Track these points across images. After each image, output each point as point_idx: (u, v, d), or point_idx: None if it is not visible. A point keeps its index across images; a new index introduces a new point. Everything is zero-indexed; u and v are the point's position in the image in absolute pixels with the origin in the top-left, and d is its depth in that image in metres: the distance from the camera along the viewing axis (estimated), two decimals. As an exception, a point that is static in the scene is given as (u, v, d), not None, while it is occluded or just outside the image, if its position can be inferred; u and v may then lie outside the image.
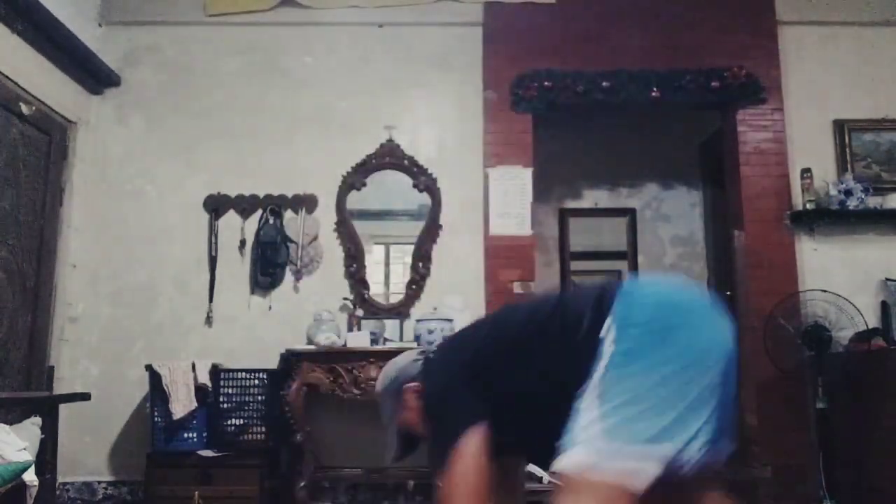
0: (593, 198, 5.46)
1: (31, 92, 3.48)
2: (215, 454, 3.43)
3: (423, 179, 4.07)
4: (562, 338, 1.43)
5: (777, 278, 3.91)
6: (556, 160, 5.08)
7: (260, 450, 3.50)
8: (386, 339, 3.76)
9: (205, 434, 3.52)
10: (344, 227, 4.04)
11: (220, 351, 3.82)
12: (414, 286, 3.99)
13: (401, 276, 4.08)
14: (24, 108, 3.44)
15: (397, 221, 4.22)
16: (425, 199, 4.08)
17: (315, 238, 4.02)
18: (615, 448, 1.25)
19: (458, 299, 3.95)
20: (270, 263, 3.94)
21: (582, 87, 4.07)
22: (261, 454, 3.48)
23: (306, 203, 4.04)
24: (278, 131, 4.11)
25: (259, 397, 3.56)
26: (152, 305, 3.94)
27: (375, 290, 4.03)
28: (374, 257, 4.10)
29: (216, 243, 3.99)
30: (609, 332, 1.35)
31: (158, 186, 4.06)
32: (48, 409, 2.84)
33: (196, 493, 3.27)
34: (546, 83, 4.07)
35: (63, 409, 2.99)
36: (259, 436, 3.53)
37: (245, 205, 4.04)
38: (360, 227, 4.06)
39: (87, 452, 3.78)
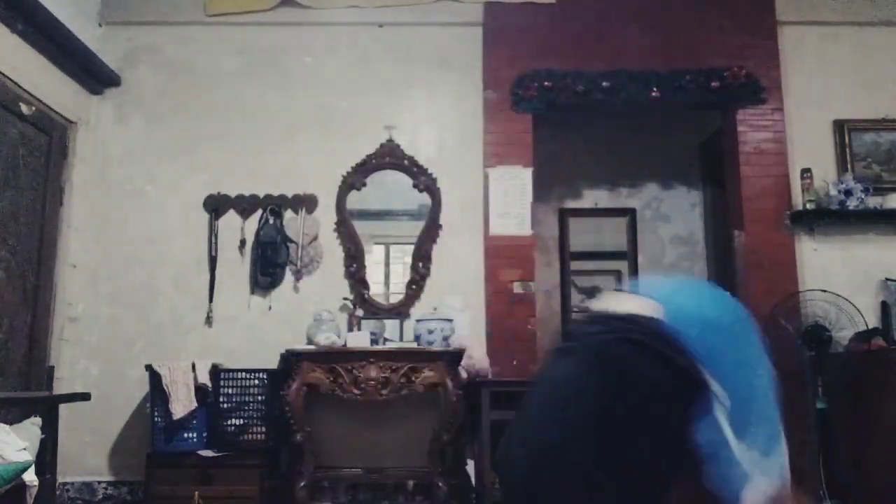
0: (593, 198, 5.45)
1: (31, 92, 3.48)
2: (215, 454, 3.43)
3: (423, 179, 4.07)
4: None
5: (777, 278, 3.91)
6: (556, 160, 5.08)
7: (260, 450, 3.50)
8: (386, 339, 3.76)
9: (205, 434, 3.52)
10: (344, 227, 4.04)
11: (220, 351, 3.82)
12: (414, 286, 3.99)
13: (401, 276, 4.08)
14: (24, 108, 3.44)
15: (397, 221, 4.22)
16: (425, 199, 4.08)
17: (315, 238, 4.02)
18: None
19: (458, 299, 3.95)
20: (270, 263, 3.94)
21: (582, 87, 4.07)
22: (261, 454, 3.48)
23: (306, 203, 4.04)
24: (278, 131, 4.12)
25: (259, 397, 3.56)
26: (152, 305, 3.94)
27: (375, 290, 4.03)
28: (374, 257, 4.10)
29: (216, 243, 3.99)
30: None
31: (158, 186, 4.06)
32: (48, 409, 2.84)
33: (196, 493, 3.27)
34: (546, 83, 4.07)
35: (63, 409, 2.99)
36: (259, 436, 3.53)
37: (245, 205, 4.04)
38: (360, 227, 4.06)
39: (87, 452, 3.78)
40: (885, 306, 3.87)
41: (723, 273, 4.71)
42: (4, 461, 2.47)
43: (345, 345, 3.58)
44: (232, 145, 4.10)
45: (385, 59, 4.20)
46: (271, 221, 4.01)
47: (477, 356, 3.57)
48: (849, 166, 4.05)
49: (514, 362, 3.87)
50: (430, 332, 3.63)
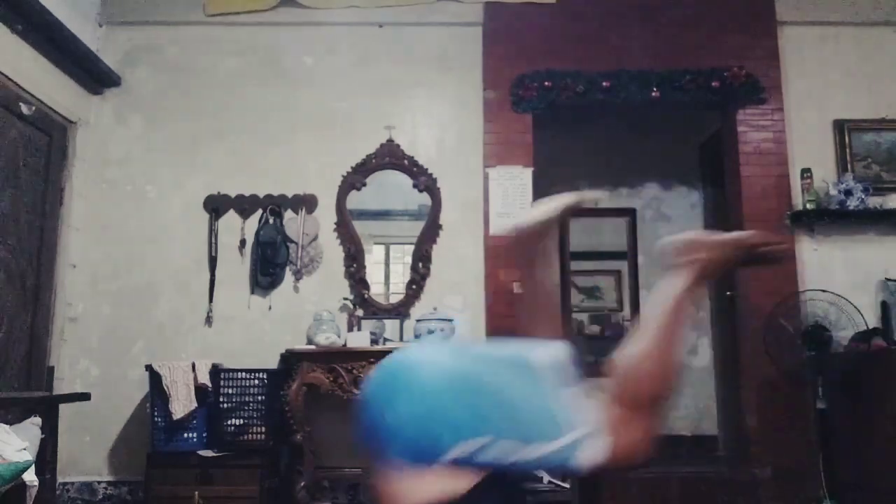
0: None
1: (31, 92, 3.48)
2: (215, 454, 3.43)
3: (423, 179, 4.07)
4: None
5: (777, 278, 3.91)
6: (556, 160, 5.08)
7: (260, 450, 3.50)
8: (386, 339, 3.76)
9: (205, 434, 3.52)
10: (344, 227, 4.04)
11: (220, 351, 3.82)
12: (414, 286, 3.99)
13: (401, 276, 4.08)
14: (24, 108, 3.44)
15: (397, 221, 4.22)
16: (425, 199, 4.08)
17: (315, 238, 4.02)
18: None
19: (458, 299, 3.95)
20: (270, 263, 3.94)
21: (582, 87, 4.07)
22: (261, 454, 3.47)
23: (306, 203, 4.04)
24: (278, 131, 4.12)
25: (259, 397, 3.56)
26: (152, 305, 3.94)
27: (375, 290, 4.03)
28: (374, 257, 4.10)
29: (216, 243, 3.99)
30: None
31: (158, 186, 4.06)
32: (48, 409, 2.84)
33: (196, 493, 3.27)
34: (546, 83, 4.07)
35: (63, 409, 2.99)
36: (259, 436, 3.53)
37: (245, 205, 4.04)
38: (360, 227, 4.06)
39: (87, 452, 3.78)
40: (885, 306, 3.87)
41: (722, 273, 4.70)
42: (4, 461, 2.46)
43: (345, 345, 3.58)
44: (232, 145, 4.10)
45: (385, 59, 4.20)
46: (271, 221, 4.01)
47: (477, 356, 3.56)
48: (849, 166, 4.05)
49: (514, 362, 3.86)
50: (430, 332, 3.63)
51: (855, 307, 3.52)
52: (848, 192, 3.91)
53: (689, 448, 4.92)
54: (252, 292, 3.97)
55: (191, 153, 4.11)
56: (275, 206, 4.03)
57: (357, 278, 3.99)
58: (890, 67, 4.19)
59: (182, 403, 3.43)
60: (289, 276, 3.98)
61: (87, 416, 3.63)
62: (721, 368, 4.97)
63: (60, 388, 3.67)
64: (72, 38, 3.65)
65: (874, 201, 3.96)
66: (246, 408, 3.55)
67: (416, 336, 3.69)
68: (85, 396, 3.02)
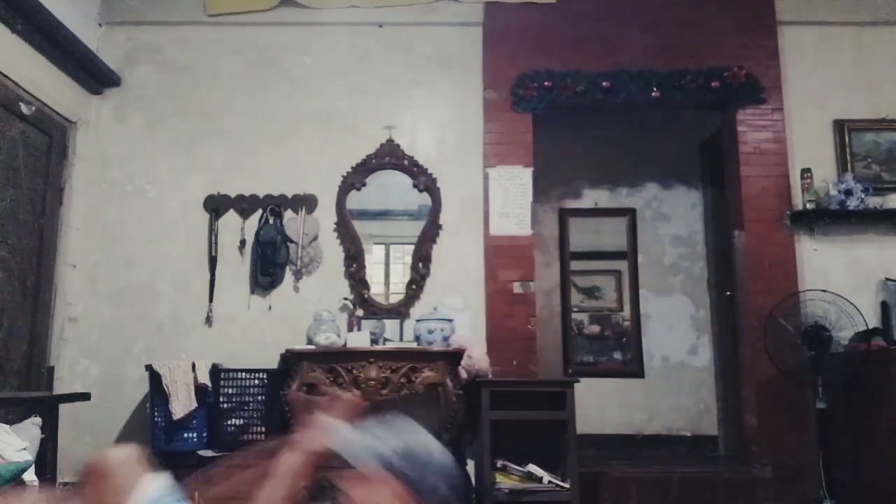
0: (593, 198, 5.45)
1: (31, 92, 3.49)
2: (215, 454, 3.43)
3: (423, 179, 4.07)
4: None
5: (777, 278, 3.91)
6: (556, 160, 5.08)
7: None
8: (386, 339, 3.76)
9: (205, 434, 3.52)
10: (344, 227, 4.04)
11: (220, 351, 3.82)
12: (414, 286, 3.99)
13: (401, 276, 4.08)
14: (24, 108, 3.44)
15: (397, 221, 4.22)
16: (425, 199, 4.08)
17: (315, 238, 4.02)
18: None
19: (458, 299, 3.95)
20: (270, 263, 3.94)
21: (582, 87, 4.07)
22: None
23: (306, 203, 4.04)
24: (278, 131, 4.12)
25: (259, 397, 3.56)
26: (152, 305, 3.94)
27: (375, 290, 4.03)
28: (374, 257, 4.10)
29: (216, 243, 3.99)
30: None
31: (158, 186, 4.06)
32: (48, 409, 2.84)
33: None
34: (546, 83, 4.07)
35: (63, 409, 2.99)
36: (259, 436, 3.53)
37: (245, 205, 4.04)
38: (360, 227, 4.06)
39: (87, 452, 3.78)
40: (885, 306, 3.87)
41: (723, 273, 4.71)
42: (4, 461, 2.47)
43: (345, 345, 3.58)
44: (232, 145, 4.10)
45: (385, 59, 4.20)
46: (271, 221, 4.01)
47: (477, 356, 3.57)
48: (849, 166, 4.05)
49: (514, 362, 3.87)
50: (430, 332, 3.64)
51: (855, 307, 3.51)
52: (848, 192, 3.91)
53: (689, 448, 4.92)
54: (252, 292, 3.97)
55: (191, 153, 4.11)
56: (275, 206, 4.02)
57: (357, 278, 3.99)
58: (890, 67, 4.19)
59: (182, 403, 3.43)
60: (289, 276, 3.99)
61: (87, 416, 3.63)
62: (721, 368, 4.97)
63: (60, 388, 3.68)
64: (72, 38, 3.65)
65: (874, 201, 3.96)
66: (246, 408, 3.55)
67: (417, 336, 3.69)
68: (85, 396, 3.02)
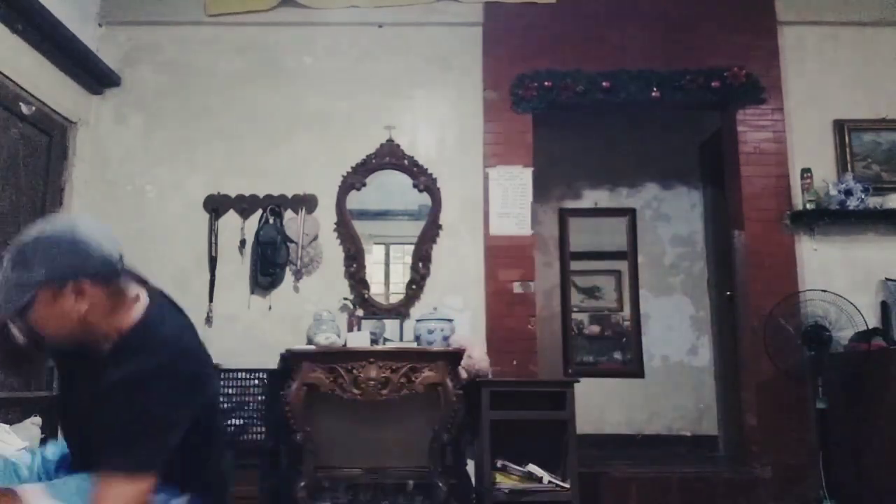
0: (593, 198, 5.46)
1: (31, 92, 3.48)
2: (215, 454, 3.43)
3: (423, 179, 4.07)
4: None
5: (777, 278, 3.91)
6: (556, 160, 5.08)
7: (260, 450, 3.50)
8: (386, 339, 3.76)
9: (205, 434, 3.51)
10: (344, 227, 4.04)
11: (220, 351, 3.79)
12: (414, 286, 3.99)
13: (401, 276, 4.08)
14: (24, 108, 3.44)
15: (397, 221, 4.22)
16: (425, 199, 4.08)
17: (315, 238, 4.02)
18: None
19: (458, 299, 3.95)
20: (270, 263, 3.94)
21: (582, 87, 4.07)
22: (261, 454, 3.47)
23: (306, 203, 4.04)
24: (278, 131, 4.11)
25: (259, 397, 3.56)
26: (152, 305, 3.94)
27: (375, 290, 4.03)
28: (374, 257, 4.10)
29: (216, 243, 3.99)
30: None
31: (158, 186, 4.06)
32: (48, 409, 2.83)
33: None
34: (546, 83, 4.07)
35: (63, 409, 2.99)
36: (259, 436, 3.53)
37: (245, 205, 4.04)
38: (360, 227, 4.06)
39: (87, 452, 3.78)
40: (885, 306, 3.87)
41: (723, 273, 4.71)
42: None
43: (345, 345, 3.58)
44: (232, 145, 4.10)
45: (385, 59, 4.20)
46: (271, 221, 4.01)
47: (477, 356, 3.57)
48: (849, 166, 4.05)
49: (514, 362, 3.87)
50: (430, 332, 3.63)
51: (855, 307, 3.52)
52: (848, 192, 3.91)
53: (689, 448, 4.92)
54: (252, 292, 3.97)
55: (191, 153, 4.11)
56: (275, 206, 4.02)
57: (357, 278, 3.99)
58: (890, 67, 4.19)
59: (182, 403, 3.42)
60: (289, 276, 3.98)
61: (87, 416, 3.63)
62: (721, 368, 4.97)
63: (60, 388, 3.67)
64: (72, 38, 3.65)
65: (874, 201, 3.96)
66: (246, 408, 3.55)
67: (417, 336, 3.69)
68: (85, 396, 3.01)
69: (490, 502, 3.36)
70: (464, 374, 3.55)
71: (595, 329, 5.35)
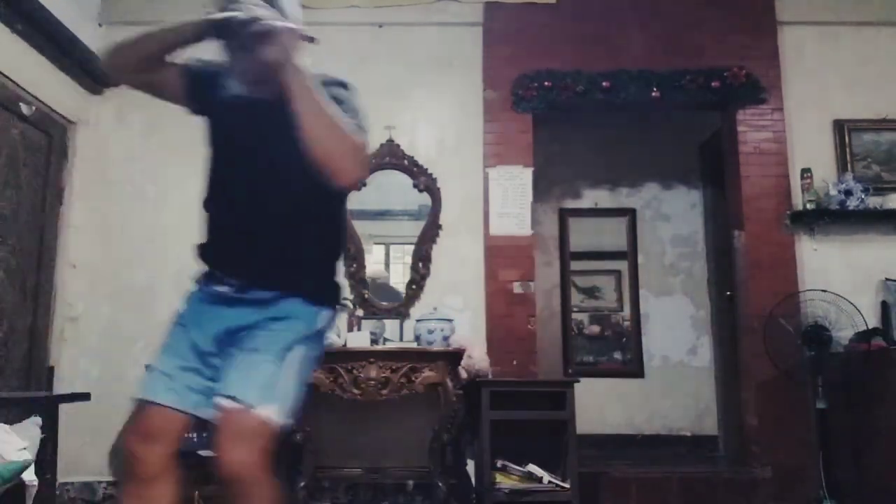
0: (593, 198, 5.46)
1: (31, 92, 3.48)
2: (215, 454, 3.42)
3: (423, 179, 4.07)
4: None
5: (777, 278, 3.91)
6: (556, 160, 5.08)
7: (260, 450, 3.49)
8: (386, 339, 3.76)
9: (205, 434, 3.51)
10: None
11: (220, 351, 3.81)
12: (414, 286, 3.99)
13: (401, 276, 4.08)
14: (24, 108, 3.44)
15: (397, 221, 4.22)
16: (425, 199, 4.08)
17: (315, 238, 4.01)
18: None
19: (458, 299, 3.95)
20: (270, 263, 3.93)
21: (582, 87, 4.07)
22: (261, 454, 3.47)
23: (306, 203, 4.03)
24: (278, 131, 4.11)
25: (259, 397, 3.55)
26: (152, 305, 3.94)
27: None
28: (374, 257, 4.10)
29: (216, 243, 3.98)
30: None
31: (159, 186, 4.06)
32: (48, 409, 2.84)
33: (196, 492, 3.27)
34: (546, 83, 4.07)
35: (63, 409, 2.99)
36: (259, 436, 3.52)
37: (245, 205, 4.03)
38: (360, 227, 4.06)
39: (87, 452, 3.78)
40: (885, 306, 3.87)
41: (723, 273, 4.71)
42: (4, 461, 2.47)
43: (345, 345, 3.58)
44: (232, 145, 4.09)
45: (385, 59, 4.20)
46: (271, 221, 4.00)
47: (477, 356, 3.57)
48: (849, 166, 4.05)
49: (514, 362, 3.87)
50: (430, 332, 3.63)
51: (855, 307, 3.52)
52: (848, 192, 3.91)
53: (689, 448, 4.93)
54: (252, 292, 3.97)
55: (191, 153, 4.09)
56: (275, 206, 4.02)
57: (357, 278, 3.99)
58: (890, 67, 4.19)
59: (182, 403, 3.43)
60: (289, 276, 3.98)
61: (87, 416, 3.62)
62: (721, 368, 4.97)
63: (60, 388, 3.67)
64: (72, 38, 3.65)
65: (874, 201, 3.96)
66: (246, 408, 3.55)
67: (417, 336, 3.69)
68: (85, 396, 3.01)
69: (490, 502, 3.36)
70: (464, 374, 3.54)
71: (595, 329, 5.35)
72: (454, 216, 4.07)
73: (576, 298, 5.37)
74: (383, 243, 4.18)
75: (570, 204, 5.45)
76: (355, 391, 3.43)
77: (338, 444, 3.77)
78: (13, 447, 2.60)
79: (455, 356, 3.53)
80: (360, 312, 3.87)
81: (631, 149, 5.32)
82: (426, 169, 4.08)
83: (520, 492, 3.38)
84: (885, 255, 3.97)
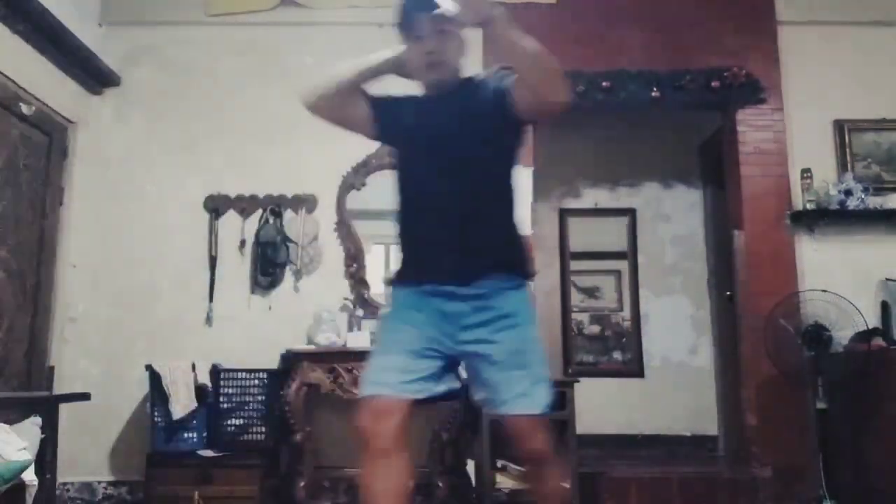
0: (593, 198, 5.46)
1: (31, 92, 3.48)
2: (215, 454, 3.43)
3: (423, 179, 4.07)
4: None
5: (777, 278, 3.91)
6: (556, 160, 5.08)
7: (260, 450, 3.50)
8: (386, 339, 3.76)
9: (205, 434, 3.52)
10: (344, 227, 4.04)
11: (220, 351, 3.82)
12: (414, 286, 3.98)
13: (401, 276, 4.07)
14: (24, 108, 3.44)
15: (397, 221, 4.21)
16: (425, 199, 4.08)
17: (315, 238, 4.02)
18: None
19: (458, 299, 3.94)
20: (270, 263, 3.94)
21: (582, 87, 4.06)
22: (261, 454, 3.48)
23: (306, 203, 4.04)
24: (278, 131, 4.11)
25: (259, 397, 3.56)
26: (152, 305, 3.94)
27: (375, 290, 4.02)
28: (374, 257, 4.10)
29: (216, 243, 3.99)
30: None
31: (158, 186, 4.06)
32: (48, 409, 2.83)
33: (196, 493, 3.27)
34: (546, 83, 4.06)
35: (63, 409, 2.99)
36: (259, 436, 3.53)
37: (245, 205, 4.04)
38: (360, 227, 4.06)
39: (87, 452, 3.78)
40: (885, 306, 3.87)
41: (723, 273, 4.71)
42: (4, 461, 2.47)
43: (345, 345, 3.58)
44: (232, 145, 4.10)
45: (385, 59, 4.19)
46: (271, 221, 4.01)
47: (477, 356, 3.57)
48: (849, 166, 4.05)
49: (514, 362, 3.86)
50: (430, 332, 3.63)
51: (855, 307, 3.51)
52: (848, 192, 3.91)
53: (689, 448, 4.93)
54: (252, 292, 3.97)
55: (191, 153, 4.11)
56: (275, 206, 4.02)
57: (357, 278, 3.99)
58: (890, 67, 4.19)
59: (182, 403, 3.43)
60: (289, 276, 3.99)
61: (87, 416, 3.62)
62: (721, 368, 4.97)
63: (60, 388, 3.67)
64: (72, 38, 3.64)
65: (874, 201, 3.96)
66: (246, 408, 3.56)
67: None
68: (85, 396, 3.01)
69: (490, 502, 3.36)
70: (464, 374, 3.54)
71: (595, 329, 5.35)
72: (454, 216, 4.06)
73: (576, 298, 5.37)
74: (383, 243, 4.18)
75: (570, 204, 5.45)
76: (355, 391, 3.43)
77: (338, 444, 3.77)
78: (13, 447, 2.59)
79: (455, 356, 3.52)
80: (360, 312, 3.87)
81: (631, 149, 5.33)
82: (426, 169, 4.08)
83: (520, 492, 3.37)
84: (885, 255, 3.96)
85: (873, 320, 3.74)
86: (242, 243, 4.00)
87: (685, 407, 5.07)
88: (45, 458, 2.71)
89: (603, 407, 4.95)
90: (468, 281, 1.74)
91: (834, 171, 4.06)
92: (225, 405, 3.55)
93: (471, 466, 3.71)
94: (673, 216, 5.40)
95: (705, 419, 5.02)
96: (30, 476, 2.51)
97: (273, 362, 3.75)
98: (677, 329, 5.22)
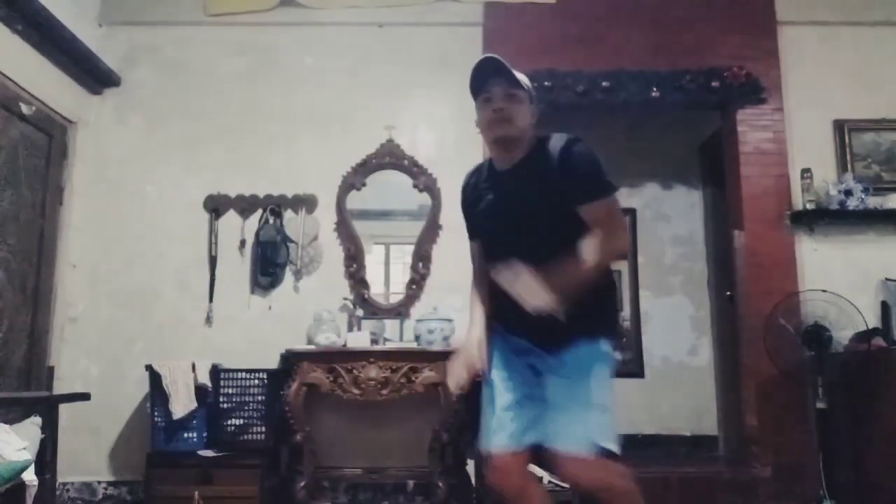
0: (593, 198, 5.45)
1: (31, 92, 3.49)
2: (215, 454, 3.43)
3: (423, 179, 4.07)
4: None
5: (777, 278, 3.91)
6: (556, 160, 5.07)
7: (260, 450, 3.50)
8: (386, 339, 3.76)
9: (205, 434, 3.52)
10: (344, 227, 4.04)
11: (220, 351, 3.82)
12: (414, 286, 3.99)
13: (401, 276, 4.08)
14: (24, 108, 3.44)
15: (397, 221, 4.22)
16: (425, 199, 4.08)
17: (315, 238, 4.02)
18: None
19: (458, 299, 3.93)
20: (270, 263, 3.95)
21: (582, 87, 4.07)
22: (261, 454, 3.48)
23: (306, 203, 4.04)
24: (278, 131, 4.12)
25: (259, 397, 3.56)
26: (152, 305, 3.94)
27: (375, 290, 4.03)
28: (374, 257, 4.10)
29: (216, 243, 3.99)
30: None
31: (158, 186, 4.06)
32: (48, 409, 2.83)
33: (196, 493, 3.27)
34: (546, 83, 4.07)
35: (63, 409, 2.99)
36: (259, 436, 3.53)
37: (245, 205, 4.04)
38: (360, 227, 4.06)
39: (87, 452, 3.78)
40: (885, 306, 3.87)
41: (723, 273, 4.71)
42: (4, 460, 2.47)
43: (345, 345, 3.58)
44: (232, 145, 4.10)
45: (385, 59, 4.20)
46: (271, 221, 4.01)
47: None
48: (849, 166, 4.05)
49: (514, 362, 3.86)
50: (430, 331, 3.63)
51: (855, 307, 3.51)
52: (848, 192, 3.91)
53: (689, 448, 4.92)
54: (252, 292, 3.98)
55: (191, 153, 4.11)
56: (275, 206, 4.03)
57: (357, 278, 3.99)
58: (890, 67, 4.19)
59: (182, 403, 3.43)
60: (289, 276, 3.99)
61: (87, 416, 3.63)
62: (721, 368, 4.97)
63: (60, 388, 3.67)
64: (72, 38, 3.65)
65: (874, 201, 3.96)
66: (246, 408, 3.56)
67: (417, 336, 3.69)
68: (85, 396, 3.01)
69: (490, 502, 3.36)
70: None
71: (595, 329, 5.34)
72: (454, 216, 4.03)
73: (576, 298, 5.36)
74: (383, 243, 4.18)
75: (570, 204, 5.44)
76: (355, 391, 3.43)
77: (338, 444, 3.77)
78: (13, 447, 2.60)
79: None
80: (360, 312, 3.88)
81: (631, 149, 5.32)
82: (426, 169, 4.08)
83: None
84: (885, 255, 3.96)
85: (873, 320, 3.74)
86: (242, 243, 4.00)
87: (685, 407, 5.07)
88: (45, 457, 2.71)
89: (603, 407, 4.94)
90: (551, 352, 1.92)
91: (834, 171, 4.07)
92: (225, 405, 3.55)
93: (471, 466, 3.71)
94: (673, 216, 5.39)
95: (705, 419, 5.02)
96: (30, 476, 2.51)
97: (273, 362, 3.75)
98: (677, 329, 5.21)
